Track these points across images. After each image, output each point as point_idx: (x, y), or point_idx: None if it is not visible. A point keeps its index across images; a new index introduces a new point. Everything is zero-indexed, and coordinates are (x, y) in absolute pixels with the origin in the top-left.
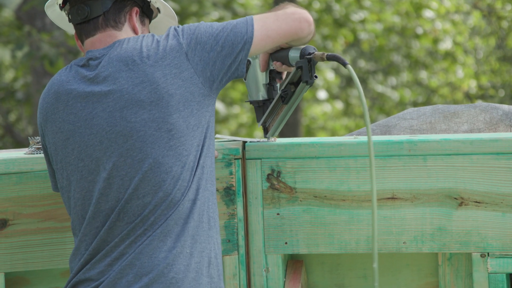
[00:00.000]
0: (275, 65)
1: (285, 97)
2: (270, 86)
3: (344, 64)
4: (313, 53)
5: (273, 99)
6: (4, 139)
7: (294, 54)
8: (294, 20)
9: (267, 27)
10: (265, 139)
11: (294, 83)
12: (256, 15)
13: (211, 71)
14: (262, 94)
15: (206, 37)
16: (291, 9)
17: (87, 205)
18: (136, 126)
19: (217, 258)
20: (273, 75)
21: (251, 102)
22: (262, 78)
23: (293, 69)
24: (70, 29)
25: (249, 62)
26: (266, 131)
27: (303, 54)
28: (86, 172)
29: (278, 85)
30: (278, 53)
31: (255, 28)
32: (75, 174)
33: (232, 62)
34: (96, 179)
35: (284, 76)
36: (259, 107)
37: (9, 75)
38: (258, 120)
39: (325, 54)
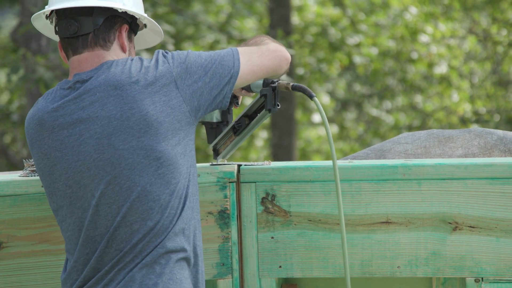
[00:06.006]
0: (234, 89)
1: (238, 129)
2: (225, 109)
3: (310, 97)
4: (277, 81)
5: (227, 121)
6: None
7: (257, 82)
8: (276, 58)
9: (252, 62)
10: (261, 163)
11: (249, 116)
12: (241, 48)
13: (198, 101)
14: (216, 116)
15: (196, 67)
16: (273, 46)
17: (78, 231)
18: (124, 153)
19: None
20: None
21: (203, 123)
22: None
23: (256, 96)
24: (56, 37)
25: None
26: (216, 153)
27: (266, 82)
28: (74, 199)
29: (233, 108)
30: None
31: (241, 62)
32: (64, 200)
33: (218, 94)
34: (85, 205)
35: (240, 100)
36: (212, 128)
37: (4, 97)
38: (209, 142)
39: (291, 84)
